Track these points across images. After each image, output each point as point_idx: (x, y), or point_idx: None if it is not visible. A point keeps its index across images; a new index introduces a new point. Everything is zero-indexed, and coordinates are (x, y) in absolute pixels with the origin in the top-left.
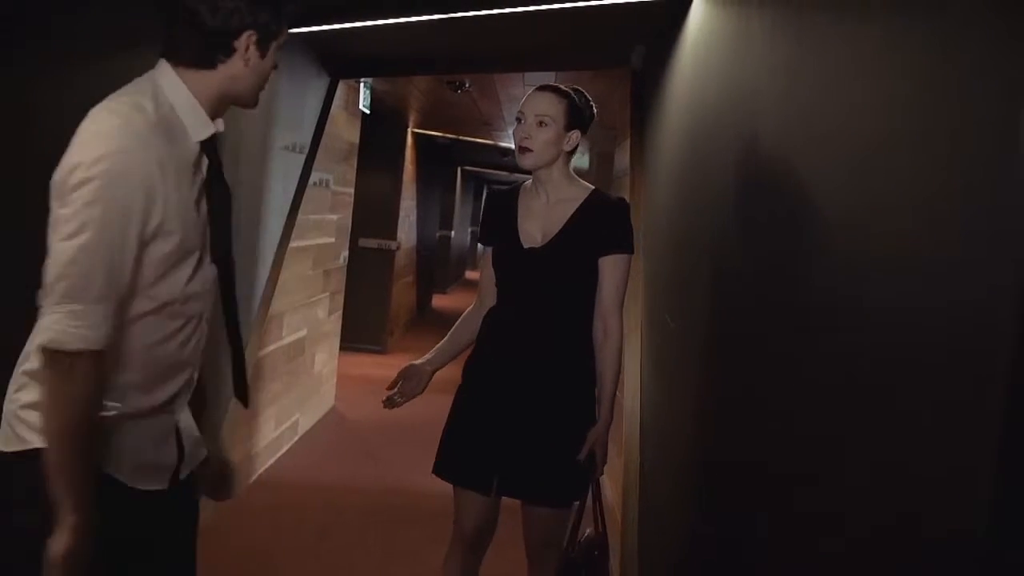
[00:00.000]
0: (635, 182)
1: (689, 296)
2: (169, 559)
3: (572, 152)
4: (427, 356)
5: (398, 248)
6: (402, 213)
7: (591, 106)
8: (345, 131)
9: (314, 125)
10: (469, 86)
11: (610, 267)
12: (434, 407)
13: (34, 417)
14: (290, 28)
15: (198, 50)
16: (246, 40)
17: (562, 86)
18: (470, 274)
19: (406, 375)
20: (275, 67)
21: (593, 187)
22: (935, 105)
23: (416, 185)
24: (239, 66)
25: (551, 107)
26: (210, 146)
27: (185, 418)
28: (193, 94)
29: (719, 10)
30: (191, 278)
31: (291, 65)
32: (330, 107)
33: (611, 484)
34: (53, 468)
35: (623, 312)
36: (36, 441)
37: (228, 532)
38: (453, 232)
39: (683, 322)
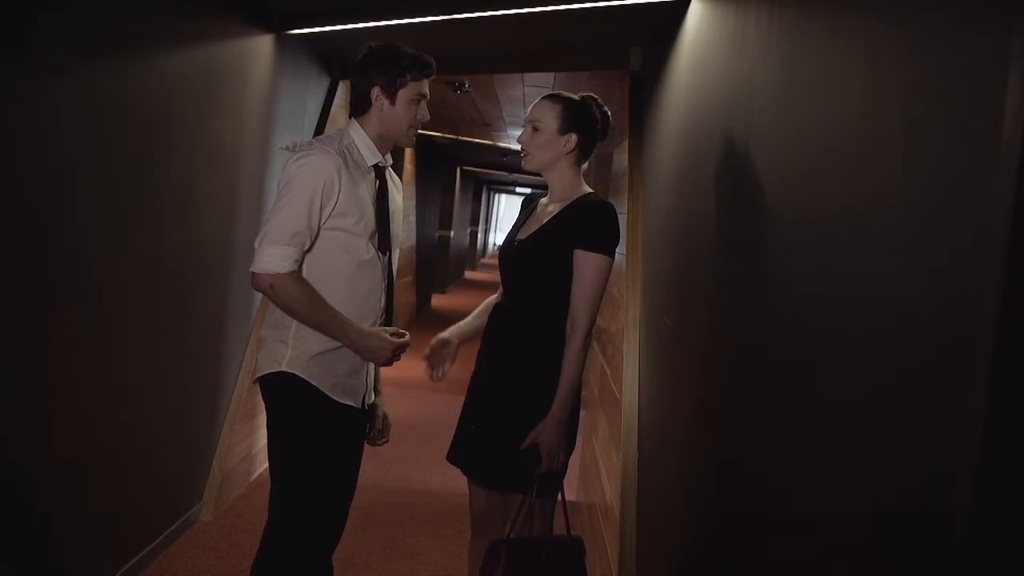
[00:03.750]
0: (633, 182)
1: (687, 295)
2: (350, 464)
3: (580, 155)
4: (450, 329)
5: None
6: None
7: (595, 113)
8: None
9: (314, 125)
10: (469, 86)
11: (581, 264)
12: (435, 406)
13: (264, 352)
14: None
15: (355, 103)
16: (376, 93)
17: (563, 93)
18: (469, 274)
19: (440, 345)
20: (423, 118)
21: (591, 191)
22: (922, 104)
23: (415, 185)
24: (377, 112)
25: (543, 113)
26: (380, 172)
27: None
28: (366, 134)
29: (717, 11)
30: (368, 249)
31: (291, 65)
32: (330, 107)
33: (609, 483)
34: (324, 331)
35: (595, 312)
36: (265, 369)
37: (228, 532)
38: (452, 232)
39: (681, 322)
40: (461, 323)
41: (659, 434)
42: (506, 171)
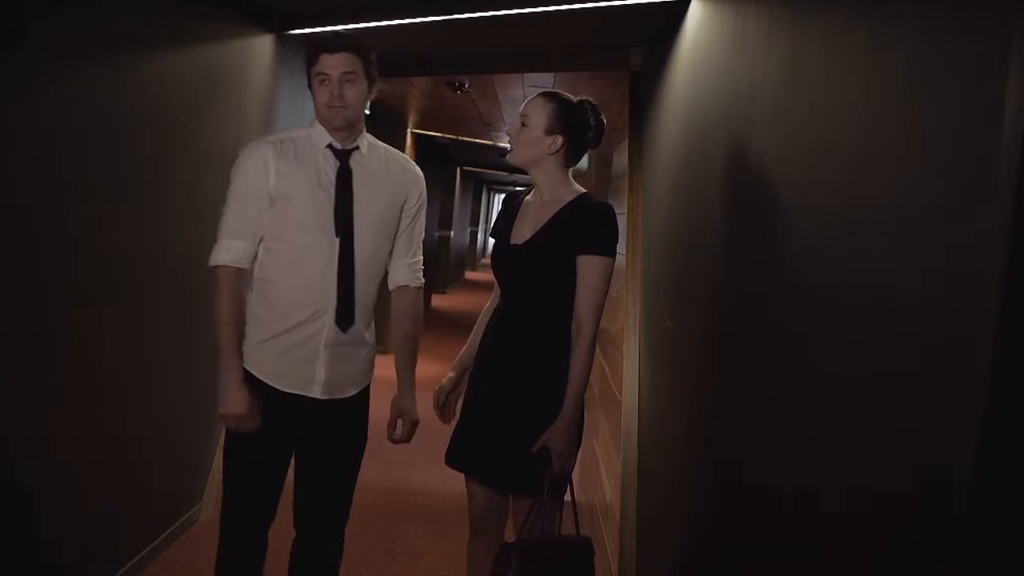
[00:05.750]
0: (633, 183)
1: (687, 296)
2: (317, 454)
3: (567, 156)
4: (454, 365)
5: None
6: None
7: (588, 119)
8: None
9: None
10: (469, 87)
11: (585, 268)
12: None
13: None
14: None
15: None
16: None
17: (562, 93)
18: (470, 274)
19: (443, 401)
20: (332, 94)
21: (584, 191)
22: (922, 104)
23: None
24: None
25: (533, 110)
26: (342, 154)
27: (334, 354)
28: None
29: (716, 12)
30: (312, 231)
31: (291, 65)
32: None
33: (609, 483)
34: (222, 350)
35: (600, 314)
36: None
37: None
38: (453, 232)
39: (681, 322)
40: (462, 353)
41: (659, 434)
42: (506, 171)
